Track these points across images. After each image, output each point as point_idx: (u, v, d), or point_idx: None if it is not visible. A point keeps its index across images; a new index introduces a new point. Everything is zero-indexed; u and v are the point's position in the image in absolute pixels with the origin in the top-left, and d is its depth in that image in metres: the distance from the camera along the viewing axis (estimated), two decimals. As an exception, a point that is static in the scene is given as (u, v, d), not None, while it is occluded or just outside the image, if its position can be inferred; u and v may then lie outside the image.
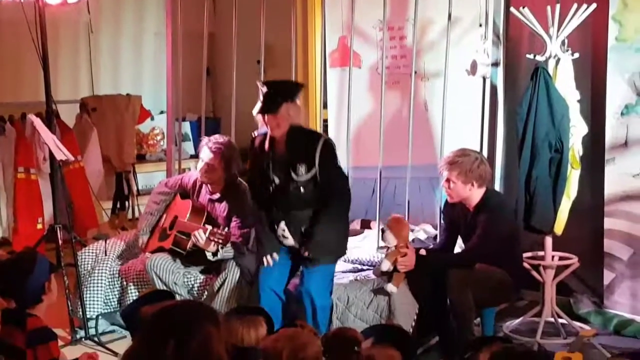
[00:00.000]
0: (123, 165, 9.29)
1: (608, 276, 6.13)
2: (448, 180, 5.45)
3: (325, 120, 7.55)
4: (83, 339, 5.97)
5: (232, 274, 5.75)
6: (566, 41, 5.61)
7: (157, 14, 9.50)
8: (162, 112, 9.28)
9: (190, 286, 5.92)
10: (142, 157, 9.63)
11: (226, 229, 5.73)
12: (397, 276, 5.42)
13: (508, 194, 6.14)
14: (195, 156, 7.14)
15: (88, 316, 6.04)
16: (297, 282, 5.42)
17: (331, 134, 7.10)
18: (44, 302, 4.22)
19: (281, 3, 7.29)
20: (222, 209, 5.93)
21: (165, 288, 5.71)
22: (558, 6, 5.53)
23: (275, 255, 5.28)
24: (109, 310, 6.20)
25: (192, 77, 7.92)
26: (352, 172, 6.55)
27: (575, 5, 5.55)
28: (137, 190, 9.37)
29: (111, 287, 6.24)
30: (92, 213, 8.36)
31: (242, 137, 6.55)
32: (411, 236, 6.03)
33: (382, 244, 5.61)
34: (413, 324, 5.48)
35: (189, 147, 9.38)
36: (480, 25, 6.46)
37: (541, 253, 5.83)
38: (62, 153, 6.02)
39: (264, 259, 5.29)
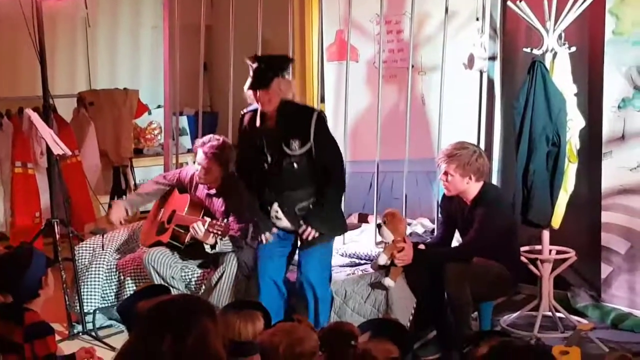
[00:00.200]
0: (120, 159, 9.27)
1: (605, 270, 6.13)
2: (446, 173, 5.44)
3: (323, 114, 7.55)
4: (80, 334, 5.98)
5: (230, 268, 5.74)
6: (563, 35, 5.62)
7: (155, 7, 9.48)
8: (159, 107, 9.27)
9: (188, 280, 5.92)
10: (140, 152, 9.61)
11: (224, 221, 5.72)
12: (394, 270, 5.42)
13: (505, 188, 6.14)
14: (193, 150, 7.14)
15: (85, 311, 6.04)
16: (295, 275, 5.43)
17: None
18: (41, 297, 4.22)
19: (279, -4, 7.29)
20: (219, 203, 5.93)
21: (162, 282, 5.71)
22: (555, 0, 5.52)
23: (269, 235, 5.24)
24: (107, 305, 6.19)
25: (190, 71, 7.92)
26: (350, 166, 6.54)
27: (572, -1, 5.56)
28: (135, 184, 9.35)
29: (108, 281, 6.24)
30: (90, 207, 8.36)
31: (239, 132, 6.54)
32: (409, 230, 6.03)
33: (379, 239, 5.60)
34: (411, 318, 5.48)
35: (186, 141, 9.37)
36: (477, 19, 6.45)
37: (538, 247, 5.84)
38: (59, 147, 6.02)
39: (262, 237, 5.24)
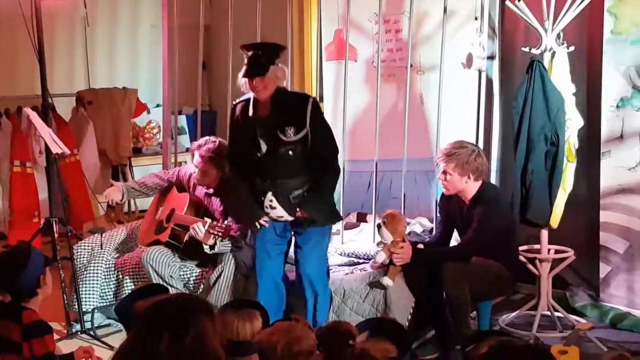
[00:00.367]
0: (119, 158, 9.27)
1: (604, 269, 6.13)
2: (445, 172, 5.44)
3: (321, 114, 7.54)
4: (79, 333, 5.98)
5: (229, 267, 5.74)
6: (561, 34, 5.61)
7: (153, 6, 9.45)
8: (158, 106, 9.26)
9: (186, 279, 5.92)
10: (139, 151, 9.61)
11: (225, 222, 5.72)
12: (393, 269, 5.42)
13: (504, 187, 6.14)
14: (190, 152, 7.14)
15: (84, 310, 6.04)
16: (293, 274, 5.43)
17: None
18: (39, 296, 4.23)
19: (277, -4, 7.29)
20: (218, 203, 5.93)
21: (161, 281, 5.72)
22: (553, -1, 5.53)
23: (265, 218, 5.20)
24: (105, 304, 6.19)
25: (189, 70, 7.91)
26: (348, 165, 6.55)
27: (570, -2, 5.56)
28: (133, 183, 9.36)
29: (107, 280, 6.24)
30: (88, 206, 8.35)
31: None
32: (407, 229, 6.03)
33: (378, 239, 5.60)
34: (409, 317, 5.48)
35: (185, 140, 9.36)
36: (476, 19, 6.45)
37: (537, 246, 5.83)
38: (58, 146, 6.02)
39: (258, 224, 5.21)
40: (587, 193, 6.17)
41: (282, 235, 5.35)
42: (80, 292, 6.07)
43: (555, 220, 5.71)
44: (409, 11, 6.45)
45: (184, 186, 6.17)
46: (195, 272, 5.93)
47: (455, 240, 5.76)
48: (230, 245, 5.72)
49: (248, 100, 5.21)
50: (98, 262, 6.25)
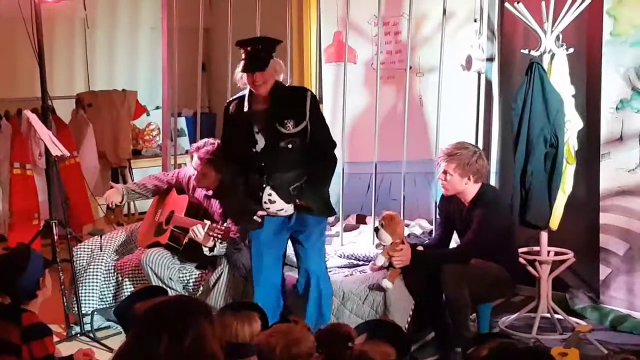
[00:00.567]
0: (119, 160, 9.28)
1: (604, 271, 6.13)
2: (445, 172, 5.44)
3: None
4: (78, 335, 5.98)
5: (228, 269, 5.75)
6: (561, 36, 5.61)
7: (153, 9, 9.46)
8: (157, 108, 9.27)
9: (186, 281, 5.92)
10: (138, 153, 9.61)
11: (224, 224, 5.72)
12: (392, 272, 5.42)
13: (503, 189, 6.14)
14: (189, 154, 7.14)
15: (83, 312, 6.04)
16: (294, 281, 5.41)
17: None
18: (38, 298, 4.23)
19: (277, -2, 7.30)
20: (218, 205, 5.94)
21: (160, 283, 5.71)
22: (552, 1, 5.52)
23: (261, 212, 5.17)
24: (105, 306, 6.19)
25: (188, 72, 7.92)
26: (348, 167, 6.55)
27: (569, 0, 5.55)
28: (133, 185, 9.36)
29: (107, 282, 6.24)
30: (88, 209, 8.35)
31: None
32: (407, 231, 6.03)
33: (377, 241, 5.60)
34: (409, 319, 5.47)
35: (184, 142, 9.36)
36: (475, 21, 6.45)
37: (537, 248, 5.83)
38: (57, 149, 6.02)
39: (257, 217, 5.18)
40: (587, 195, 6.17)
41: (278, 235, 5.28)
42: (80, 294, 6.07)
43: (554, 222, 5.70)
44: (408, 13, 6.46)
45: (184, 188, 6.17)
46: (195, 274, 5.93)
47: (455, 242, 5.76)
48: (225, 247, 5.72)
49: (242, 97, 5.20)
50: (97, 264, 6.25)
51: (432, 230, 6.31)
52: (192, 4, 7.54)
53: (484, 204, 5.40)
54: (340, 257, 6.13)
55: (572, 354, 4.82)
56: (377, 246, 5.63)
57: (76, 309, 6.03)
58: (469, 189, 5.45)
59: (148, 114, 9.65)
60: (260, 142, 5.11)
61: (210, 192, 5.96)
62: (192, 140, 7.60)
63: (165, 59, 7.59)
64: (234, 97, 5.32)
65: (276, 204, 5.13)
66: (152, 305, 3.03)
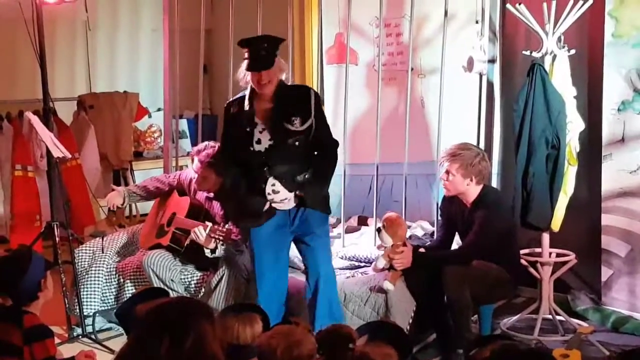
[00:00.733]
0: (120, 162, 9.27)
1: (606, 273, 6.13)
2: (447, 172, 5.44)
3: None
4: (80, 337, 5.97)
5: (230, 271, 5.74)
6: (562, 37, 5.61)
7: (154, 10, 9.46)
8: (159, 109, 9.26)
9: (187, 283, 5.92)
10: (140, 155, 9.60)
11: (226, 226, 5.71)
12: (394, 273, 5.41)
13: (505, 191, 6.14)
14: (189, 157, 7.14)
15: (85, 314, 6.04)
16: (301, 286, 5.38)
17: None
18: (40, 300, 4.23)
19: (278, 0, 7.29)
20: (219, 207, 5.93)
21: (162, 285, 5.71)
22: (554, 3, 5.52)
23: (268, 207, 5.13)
24: (106, 308, 6.19)
25: (189, 74, 7.91)
26: (349, 168, 6.55)
27: (571, 2, 5.55)
28: (134, 187, 9.36)
29: (108, 284, 6.24)
30: (89, 210, 8.35)
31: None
32: (408, 233, 6.02)
33: (379, 242, 5.59)
34: (410, 321, 5.47)
35: (186, 144, 9.37)
36: (477, 22, 6.46)
37: (538, 250, 5.83)
38: (59, 150, 6.02)
39: (265, 213, 5.13)
40: (589, 196, 6.16)
41: (279, 236, 5.21)
42: (82, 296, 6.07)
43: (556, 223, 5.70)
44: (409, 15, 6.45)
45: (185, 190, 6.18)
46: (196, 276, 5.93)
47: (456, 243, 5.76)
48: (231, 248, 5.72)
49: (242, 97, 5.17)
50: (99, 266, 6.25)
51: (433, 232, 6.31)
52: (194, 6, 7.54)
53: (486, 205, 5.40)
54: (341, 258, 6.13)
55: (574, 356, 4.82)
56: (379, 248, 5.63)
57: (78, 310, 6.03)
58: (471, 190, 5.45)
59: (149, 116, 9.65)
60: (264, 141, 5.08)
61: (212, 194, 5.96)
62: (194, 142, 7.62)
63: (166, 61, 7.60)
64: (234, 97, 5.30)
65: (280, 194, 5.08)
66: (153, 307, 3.03)
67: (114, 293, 6.23)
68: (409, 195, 6.38)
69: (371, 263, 5.83)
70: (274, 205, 5.13)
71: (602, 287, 6.17)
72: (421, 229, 6.44)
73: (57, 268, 5.84)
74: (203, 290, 5.81)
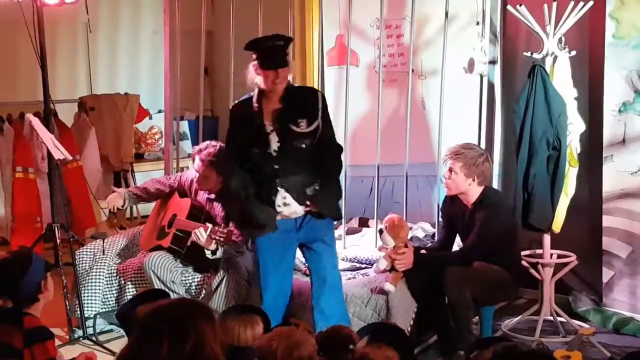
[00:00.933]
0: (121, 164, 9.27)
1: (607, 274, 6.13)
2: (450, 170, 5.44)
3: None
4: (81, 339, 5.97)
5: (231, 272, 5.74)
6: (563, 39, 5.61)
7: (155, 12, 9.46)
8: (160, 111, 9.26)
9: (188, 285, 5.92)
10: (140, 156, 9.60)
11: (227, 227, 5.71)
12: (395, 275, 5.41)
13: (506, 192, 6.14)
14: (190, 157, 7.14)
15: (86, 315, 6.04)
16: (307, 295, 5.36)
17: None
18: (40, 301, 4.23)
19: (279, 2, 7.28)
20: (220, 208, 5.92)
21: (163, 286, 5.71)
22: (555, 4, 5.52)
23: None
24: (107, 310, 6.19)
25: (190, 75, 7.92)
26: (350, 170, 6.54)
27: (572, 3, 5.55)
28: (135, 189, 9.36)
29: (109, 286, 6.24)
30: (90, 212, 8.34)
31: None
32: (409, 234, 6.02)
33: (380, 244, 5.59)
34: (411, 322, 5.47)
35: (187, 145, 9.36)
36: (478, 23, 6.46)
37: (539, 251, 5.83)
38: (60, 152, 6.01)
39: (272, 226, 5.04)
40: (590, 198, 6.16)
41: (284, 243, 5.14)
42: (82, 298, 6.07)
43: (557, 224, 5.70)
44: (410, 16, 6.46)
45: (186, 192, 6.18)
46: (197, 278, 5.93)
47: (457, 245, 5.75)
48: (232, 250, 5.72)
49: (249, 99, 5.08)
50: (100, 268, 6.25)
51: (434, 233, 6.31)
52: (194, 8, 7.54)
53: (487, 206, 5.40)
54: (342, 260, 6.12)
55: (575, 357, 4.81)
56: (380, 249, 5.62)
57: (78, 312, 6.03)
58: (472, 191, 5.44)
59: (150, 118, 9.65)
60: (274, 143, 5.00)
61: (213, 196, 5.96)
62: (195, 143, 7.60)
63: (167, 63, 7.60)
64: (241, 99, 5.20)
65: (290, 207, 5.02)
66: (153, 308, 3.02)
67: (115, 295, 6.23)
68: (409, 196, 6.38)
69: (372, 264, 5.83)
70: (282, 216, 5.06)
71: (603, 289, 6.17)
72: (422, 230, 6.44)
73: (57, 270, 5.84)
74: (204, 291, 5.81)
